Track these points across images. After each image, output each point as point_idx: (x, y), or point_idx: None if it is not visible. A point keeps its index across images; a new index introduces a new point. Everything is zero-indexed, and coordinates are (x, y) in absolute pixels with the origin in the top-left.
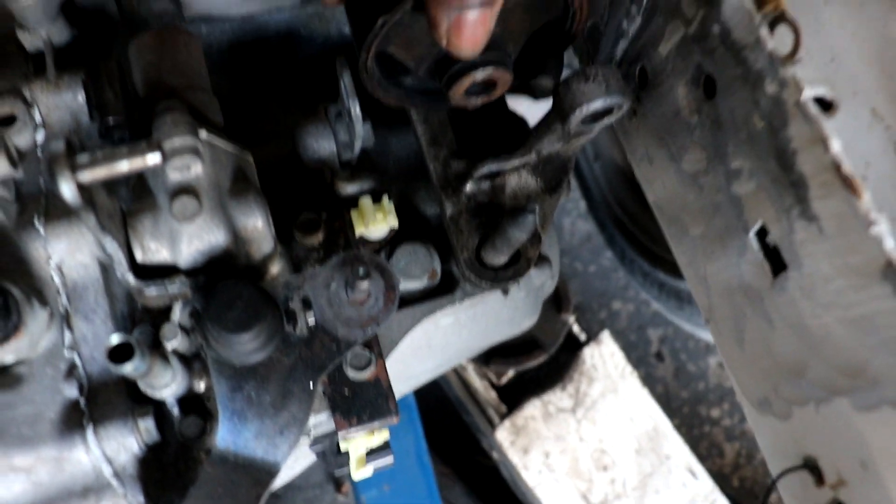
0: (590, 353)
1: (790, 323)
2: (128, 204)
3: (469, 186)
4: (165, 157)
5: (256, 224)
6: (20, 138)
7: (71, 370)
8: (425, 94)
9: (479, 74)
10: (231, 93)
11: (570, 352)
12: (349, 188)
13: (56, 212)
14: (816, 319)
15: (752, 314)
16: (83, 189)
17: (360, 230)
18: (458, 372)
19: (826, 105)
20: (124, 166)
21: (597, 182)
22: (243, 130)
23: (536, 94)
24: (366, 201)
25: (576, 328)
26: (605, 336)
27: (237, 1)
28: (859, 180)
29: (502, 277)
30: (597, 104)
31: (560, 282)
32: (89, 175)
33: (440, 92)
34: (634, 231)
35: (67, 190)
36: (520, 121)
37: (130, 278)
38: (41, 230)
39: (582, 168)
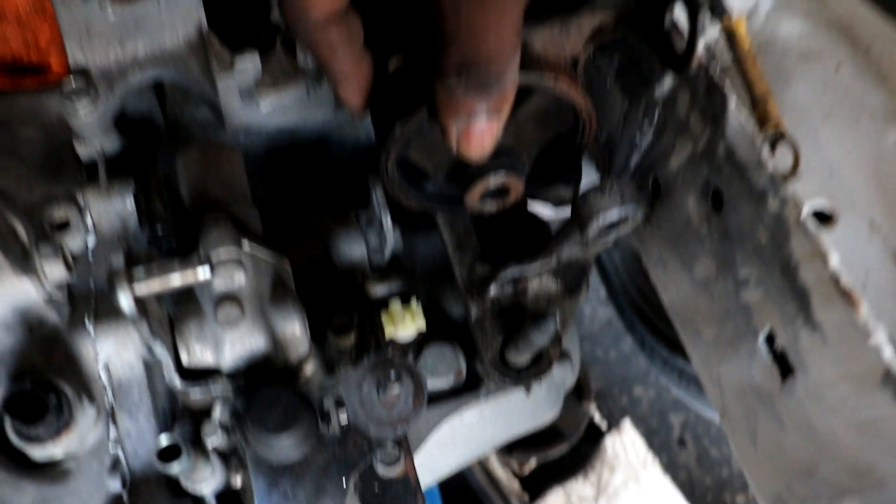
0: (611, 442)
1: (799, 424)
2: (173, 308)
3: (493, 290)
4: (213, 270)
5: (294, 330)
6: (73, 242)
7: (115, 464)
8: (446, 200)
9: (492, 180)
10: (266, 195)
11: (591, 440)
12: (379, 290)
13: (104, 312)
14: (824, 422)
15: (763, 414)
16: (138, 300)
17: (389, 331)
18: (480, 461)
19: (826, 217)
20: (177, 280)
21: (616, 269)
22: (277, 232)
23: (555, 203)
24: (395, 305)
25: (597, 416)
26: (626, 424)
27: (275, 114)
28: (858, 292)
29: (525, 376)
30: (612, 215)
31: (581, 372)
32: (145, 288)
33: (460, 197)
34: (653, 318)
35: (125, 302)
36: (542, 224)
37: (177, 381)
38: (91, 330)
39: (601, 255)
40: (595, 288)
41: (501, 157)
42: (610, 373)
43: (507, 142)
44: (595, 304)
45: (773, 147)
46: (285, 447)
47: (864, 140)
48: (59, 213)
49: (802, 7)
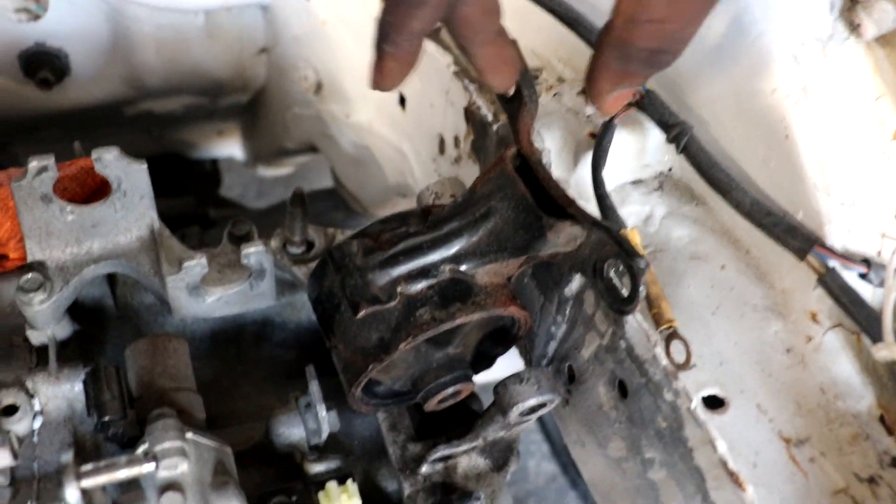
0: None
1: None
2: (116, 494)
3: (425, 468)
4: (157, 463)
5: None
6: (19, 426)
7: None
8: (395, 396)
9: (451, 391)
10: (209, 375)
11: None
12: (317, 468)
13: (47, 495)
14: None
15: None
16: (84, 492)
17: None
18: None
19: (719, 402)
20: (123, 474)
21: (556, 427)
22: (219, 410)
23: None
24: (332, 485)
25: None
26: None
27: (220, 305)
28: (746, 473)
29: None
30: (531, 402)
31: None
32: (92, 482)
33: (406, 392)
34: None
35: (72, 496)
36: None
37: None
38: None
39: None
40: (539, 443)
41: (455, 369)
42: None
43: (457, 352)
44: (539, 459)
45: (668, 343)
46: None
47: (749, 331)
48: (8, 398)
49: (691, 215)
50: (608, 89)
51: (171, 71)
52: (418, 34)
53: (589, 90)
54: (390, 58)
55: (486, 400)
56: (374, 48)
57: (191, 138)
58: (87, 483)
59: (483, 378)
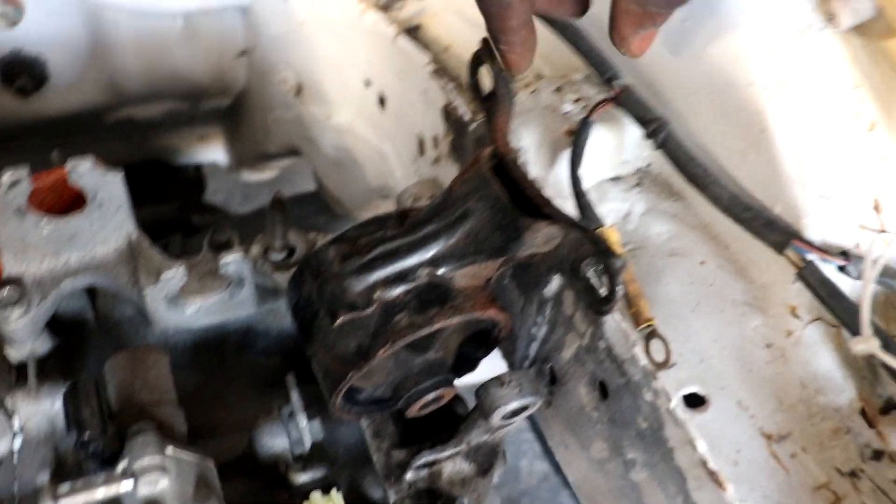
0: None
1: None
2: None
3: (409, 474)
4: (136, 480)
5: None
6: None
7: None
8: (377, 403)
9: (432, 396)
10: (192, 386)
11: None
12: (301, 478)
13: None
14: None
15: None
16: None
17: None
18: None
19: (700, 400)
20: (101, 493)
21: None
22: (202, 421)
23: None
24: (316, 495)
25: None
26: None
27: (200, 315)
28: (725, 474)
29: None
30: (513, 405)
31: None
32: (69, 503)
33: (388, 399)
34: None
35: None
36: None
37: None
38: None
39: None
40: (531, 442)
41: (435, 374)
42: None
43: (438, 356)
44: (531, 459)
45: (647, 342)
46: None
47: (729, 327)
48: None
49: (670, 211)
50: (631, 33)
51: (151, 76)
52: (520, 27)
53: (612, 37)
54: (508, 53)
55: (472, 403)
56: (496, 50)
57: (173, 144)
58: None
59: (468, 380)
